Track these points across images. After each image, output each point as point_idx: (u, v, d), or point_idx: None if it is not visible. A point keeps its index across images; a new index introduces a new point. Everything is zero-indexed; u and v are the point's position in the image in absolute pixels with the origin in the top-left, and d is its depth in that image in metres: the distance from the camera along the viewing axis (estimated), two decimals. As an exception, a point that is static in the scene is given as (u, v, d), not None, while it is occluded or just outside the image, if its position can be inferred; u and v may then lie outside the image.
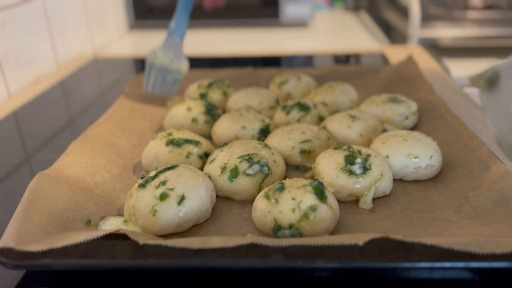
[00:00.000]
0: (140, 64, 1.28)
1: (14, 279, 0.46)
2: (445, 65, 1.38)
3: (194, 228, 0.52)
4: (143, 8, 1.63)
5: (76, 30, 1.30)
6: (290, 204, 0.47)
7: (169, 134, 0.65)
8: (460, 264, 0.41)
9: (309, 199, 0.48)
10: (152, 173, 0.54)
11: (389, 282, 0.44)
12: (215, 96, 0.85)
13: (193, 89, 0.87)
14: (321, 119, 0.74)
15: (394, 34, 1.66)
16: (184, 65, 0.82)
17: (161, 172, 0.53)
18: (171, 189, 0.50)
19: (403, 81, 0.89)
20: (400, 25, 1.57)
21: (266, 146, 0.61)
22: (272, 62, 1.24)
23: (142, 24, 1.66)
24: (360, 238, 0.42)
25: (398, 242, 0.43)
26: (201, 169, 0.62)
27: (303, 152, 0.63)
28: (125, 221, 0.51)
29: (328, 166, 0.56)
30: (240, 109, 0.75)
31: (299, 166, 0.64)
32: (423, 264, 0.41)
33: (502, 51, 1.48)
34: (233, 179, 0.56)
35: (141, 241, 0.43)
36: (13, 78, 1.01)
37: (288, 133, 0.65)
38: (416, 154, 0.59)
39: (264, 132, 0.70)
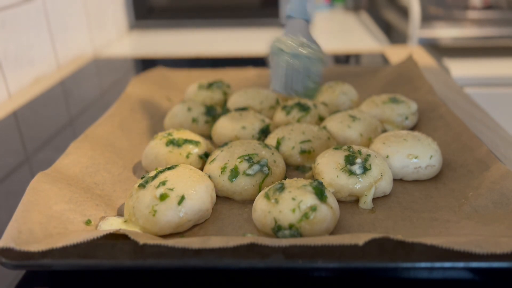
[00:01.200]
0: (140, 64, 1.28)
1: (14, 279, 0.46)
2: (445, 65, 1.38)
3: (194, 228, 0.52)
4: (143, 8, 1.63)
5: (76, 30, 1.30)
6: (290, 204, 0.47)
7: (169, 134, 0.65)
8: (460, 264, 0.41)
9: (309, 199, 0.48)
10: (152, 173, 0.54)
11: (389, 282, 0.44)
12: (215, 96, 0.85)
13: (193, 89, 0.87)
14: (321, 119, 0.74)
15: (394, 34, 1.66)
16: (320, 51, 0.61)
17: (161, 172, 0.53)
18: (171, 189, 0.50)
19: (403, 81, 0.89)
20: (400, 25, 1.57)
21: (266, 146, 0.61)
22: (272, 62, 1.24)
23: (142, 24, 1.66)
24: (360, 238, 0.42)
25: (398, 242, 0.43)
26: (201, 169, 0.62)
27: (303, 152, 0.63)
28: (125, 221, 0.51)
29: (328, 166, 0.56)
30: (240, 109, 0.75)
31: (299, 166, 0.64)
32: (423, 264, 0.41)
33: (502, 51, 1.48)
34: (233, 179, 0.56)
35: (141, 241, 0.43)
36: (13, 78, 1.01)
37: (288, 133, 0.65)
38: (416, 154, 0.59)
39: (264, 132, 0.70)
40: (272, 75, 0.59)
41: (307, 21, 0.64)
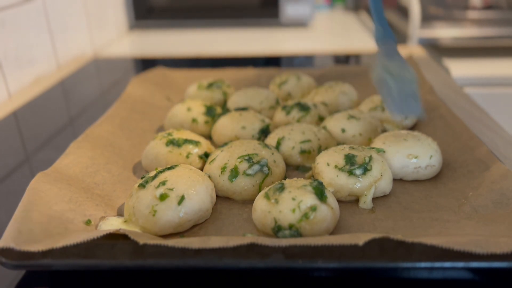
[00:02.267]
0: (140, 64, 1.28)
1: (14, 279, 0.46)
2: (445, 65, 1.38)
3: (194, 228, 0.52)
4: (143, 8, 1.63)
5: (76, 30, 1.30)
6: (290, 204, 0.47)
7: (169, 134, 0.65)
8: (460, 264, 0.41)
9: (309, 199, 0.48)
10: (152, 173, 0.54)
11: (389, 282, 0.44)
12: (215, 96, 0.85)
13: (193, 89, 0.87)
14: (321, 119, 0.74)
15: (394, 34, 1.66)
16: (413, 72, 0.63)
17: (161, 172, 0.53)
18: (171, 189, 0.50)
19: (403, 81, 0.89)
20: (400, 25, 1.57)
21: (266, 146, 0.61)
22: (272, 62, 1.24)
23: (142, 24, 1.66)
24: (360, 238, 0.42)
25: (398, 242, 0.43)
26: (201, 169, 0.62)
27: (303, 152, 0.64)
28: (125, 221, 0.51)
29: (328, 166, 0.56)
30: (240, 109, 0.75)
31: (299, 166, 0.64)
32: (423, 264, 0.41)
33: (502, 51, 1.48)
34: (233, 179, 0.56)
35: (141, 241, 0.43)
36: (13, 78, 1.01)
37: (288, 133, 0.65)
38: (416, 154, 0.59)
39: (264, 132, 0.70)
40: (384, 99, 0.62)
41: (394, 41, 0.67)
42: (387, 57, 0.65)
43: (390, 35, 0.68)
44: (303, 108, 0.74)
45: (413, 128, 0.75)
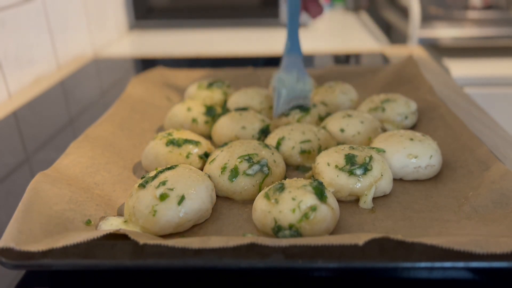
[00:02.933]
0: (140, 64, 1.28)
1: (14, 279, 0.46)
2: (445, 65, 1.38)
3: (194, 228, 0.52)
4: (143, 8, 1.63)
5: (76, 30, 1.30)
6: (290, 204, 0.47)
7: (169, 134, 0.65)
8: (460, 264, 0.41)
9: (309, 199, 0.48)
10: (152, 173, 0.54)
11: (389, 282, 0.44)
12: (215, 96, 0.85)
13: (193, 89, 0.87)
14: (321, 119, 0.74)
15: (394, 34, 1.66)
16: (310, 84, 0.76)
17: (161, 172, 0.53)
18: (171, 189, 0.50)
19: (403, 81, 0.89)
20: (400, 25, 1.57)
21: (266, 146, 0.61)
22: (272, 62, 1.24)
23: (142, 24, 1.66)
24: (360, 238, 0.42)
25: (398, 242, 0.43)
26: (201, 169, 0.62)
27: (303, 152, 0.64)
28: (125, 221, 0.51)
29: (328, 166, 0.56)
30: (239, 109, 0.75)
31: (299, 166, 0.64)
32: (423, 264, 0.41)
33: (502, 51, 1.48)
34: (233, 179, 0.56)
35: (141, 241, 0.43)
36: (13, 78, 1.01)
37: (288, 133, 0.65)
38: (416, 154, 0.59)
39: (264, 132, 0.70)
40: (275, 104, 0.75)
41: (300, 55, 0.78)
42: (285, 69, 0.76)
43: (297, 50, 0.78)
44: (303, 108, 0.74)
45: (413, 128, 0.75)
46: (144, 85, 0.90)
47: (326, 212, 0.48)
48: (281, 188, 0.50)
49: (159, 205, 0.49)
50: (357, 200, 0.56)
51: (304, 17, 1.60)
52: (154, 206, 0.49)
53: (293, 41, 0.78)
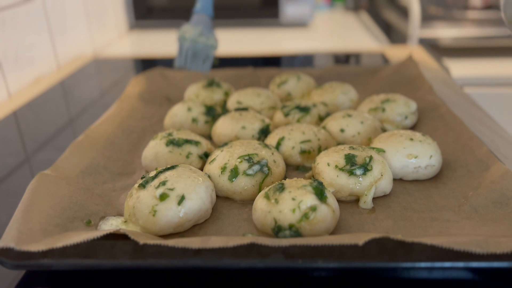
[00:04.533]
0: (140, 64, 1.28)
1: (14, 279, 0.46)
2: (445, 65, 1.38)
3: (194, 228, 0.52)
4: (143, 8, 1.63)
5: (76, 30, 1.30)
6: (290, 204, 0.47)
7: (169, 134, 0.65)
8: (460, 264, 0.41)
9: (309, 199, 0.48)
10: (152, 173, 0.54)
11: (389, 282, 0.44)
12: (215, 96, 0.85)
13: (193, 89, 0.87)
14: (321, 119, 0.74)
15: (394, 34, 1.66)
16: (214, 40, 0.81)
17: (161, 172, 0.53)
18: (171, 189, 0.50)
19: (403, 81, 0.89)
20: (400, 25, 1.57)
21: (266, 146, 0.61)
22: (272, 62, 1.24)
23: (142, 24, 1.66)
24: (360, 238, 0.42)
25: (398, 242, 0.43)
26: (201, 169, 0.62)
27: (303, 152, 0.64)
28: (125, 221, 0.51)
29: (328, 166, 0.56)
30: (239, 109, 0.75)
31: (299, 166, 0.64)
32: (423, 264, 0.41)
33: (502, 51, 1.48)
34: (233, 179, 0.56)
35: (141, 241, 0.43)
36: (13, 78, 1.01)
37: (288, 133, 0.65)
38: (416, 154, 0.59)
39: (264, 132, 0.70)
40: (177, 55, 0.75)
41: (210, 16, 0.84)
42: (191, 24, 0.81)
43: (206, 10, 0.84)
44: (303, 108, 0.74)
45: (413, 128, 0.75)
46: (144, 85, 0.90)
47: (326, 212, 0.48)
48: (281, 188, 0.50)
49: (159, 205, 0.49)
50: (357, 200, 0.56)
51: (303, 16, 1.60)
52: (154, 206, 0.49)
53: (203, 2, 0.84)
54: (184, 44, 0.79)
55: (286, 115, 0.74)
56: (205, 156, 0.64)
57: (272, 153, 0.60)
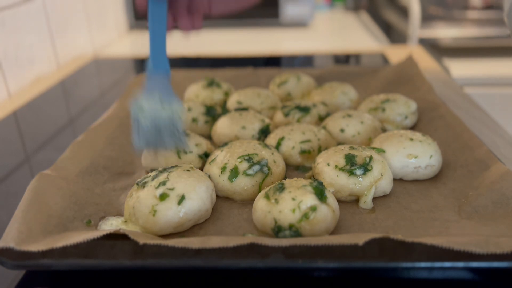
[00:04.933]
0: (140, 64, 1.28)
1: (14, 279, 0.46)
2: (445, 65, 1.38)
3: (194, 228, 0.52)
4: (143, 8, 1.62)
5: (76, 30, 1.30)
6: (290, 204, 0.47)
7: (169, 134, 0.65)
8: (460, 264, 0.41)
9: (309, 199, 0.48)
10: (152, 173, 0.54)
11: (389, 282, 0.44)
12: (215, 96, 0.85)
13: (193, 89, 0.87)
14: (321, 119, 0.74)
15: (394, 34, 1.66)
16: (177, 105, 0.60)
17: (161, 172, 0.53)
18: (171, 189, 0.50)
19: (403, 81, 0.89)
20: (400, 25, 1.57)
21: (266, 146, 0.61)
22: (272, 62, 1.24)
23: (142, 24, 1.66)
24: (360, 238, 0.42)
25: (398, 242, 0.43)
26: (201, 169, 0.62)
27: (303, 152, 0.63)
28: (125, 221, 0.51)
29: (328, 166, 0.56)
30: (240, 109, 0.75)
31: (299, 166, 0.64)
32: (423, 264, 0.41)
33: (502, 51, 1.48)
34: (233, 179, 0.56)
35: (141, 241, 0.43)
36: (13, 78, 1.01)
37: (288, 133, 0.65)
38: (416, 154, 0.59)
39: (264, 132, 0.70)
40: (133, 133, 0.58)
41: (165, 74, 0.62)
42: (146, 92, 0.60)
43: (161, 67, 0.62)
44: (303, 108, 0.74)
45: (413, 128, 0.75)
46: (144, 85, 0.90)
47: (326, 212, 0.48)
48: (281, 188, 0.50)
49: (159, 205, 0.49)
50: (357, 200, 0.55)
51: (303, 16, 1.60)
52: (154, 206, 0.49)
53: (156, 57, 0.62)
54: (143, 120, 0.57)
55: (286, 115, 0.74)
56: (205, 156, 0.64)
57: (272, 153, 0.60)
